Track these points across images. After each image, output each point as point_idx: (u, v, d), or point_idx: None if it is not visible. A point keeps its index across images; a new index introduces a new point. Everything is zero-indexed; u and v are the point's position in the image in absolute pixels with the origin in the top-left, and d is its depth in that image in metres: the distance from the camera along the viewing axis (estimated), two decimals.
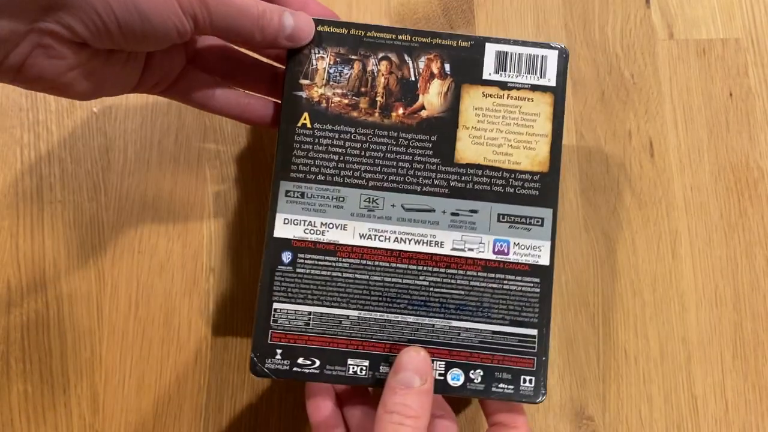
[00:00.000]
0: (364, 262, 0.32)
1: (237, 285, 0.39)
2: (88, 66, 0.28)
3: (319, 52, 0.32)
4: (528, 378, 0.31)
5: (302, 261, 0.32)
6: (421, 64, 0.33)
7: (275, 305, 0.32)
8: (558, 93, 0.33)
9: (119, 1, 0.26)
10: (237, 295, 0.39)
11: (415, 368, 0.29)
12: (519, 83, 0.33)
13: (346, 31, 0.33)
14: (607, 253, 0.39)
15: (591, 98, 0.40)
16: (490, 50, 0.33)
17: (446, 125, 0.32)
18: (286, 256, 0.32)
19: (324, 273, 0.32)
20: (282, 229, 0.32)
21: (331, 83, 0.32)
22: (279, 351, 0.31)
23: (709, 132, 0.40)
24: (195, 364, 0.38)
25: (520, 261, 0.32)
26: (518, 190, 0.32)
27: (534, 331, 0.32)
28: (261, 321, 0.31)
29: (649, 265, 0.39)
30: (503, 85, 0.33)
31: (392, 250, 0.32)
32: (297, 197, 0.32)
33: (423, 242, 0.32)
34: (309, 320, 0.31)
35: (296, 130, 0.32)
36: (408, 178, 0.32)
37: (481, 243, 0.32)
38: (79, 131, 0.40)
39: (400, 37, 0.33)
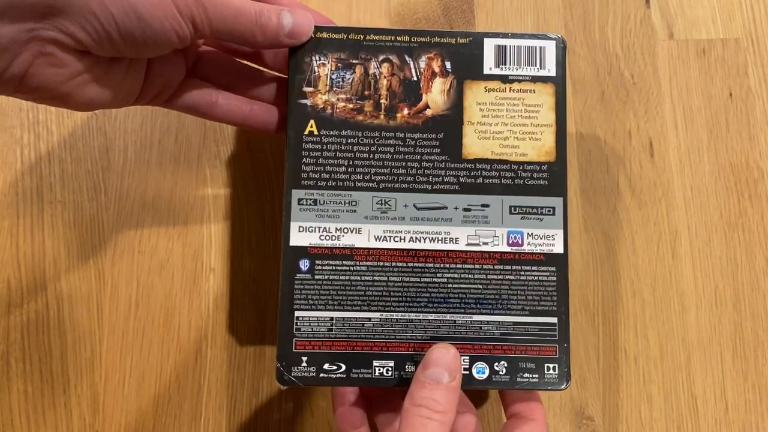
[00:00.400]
0: (381, 263, 0.32)
1: (237, 285, 0.39)
2: (90, 74, 0.27)
3: (320, 59, 0.33)
4: (552, 366, 0.32)
5: (320, 267, 0.32)
6: (422, 64, 0.33)
7: (297, 313, 0.32)
8: (559, 82, 0.33)
9: (117, 6, 0.26)
10: (237, 295, 0.39)
11: (445, 365, 0.29)
12: (520, 75, 0.33)
13: (345, 36, 0.33)
14: (607, 253, 0.39)
15: (591, 98, 0.40)
16: (489, 45, 0.33)
17: (451, 122, 0.33)
18: (304, 264, 0.32)
19: (342, 278, 0.32)
20: (298, 237, 0.32)
21: (334, 89, 0.33)
22: (304, 359, 0.31)
23: (709, 132, 0.40)
24: (195, 364, 0.38)
25: (534, 251, 0.32)
26: (527, 181, 0.32)
27: (554, 319, 0.32)
28: (284, 330, 0.32)
29: (649, 265, 0.39)
30: (504, 79, 0.33)
31: (408, 250, 0.32)
32: (310, 204, 0.32)
33: (438, 240, 0.32)
34: (331, 326, 0.32)
35: (304, 138, 0.32)
36: (418, 178, 0.32)
37: (495, 236, 0.32)
38: (79, 131, 0.40)
39: (399, 39, 0.33)
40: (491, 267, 0.32)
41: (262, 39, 0.30)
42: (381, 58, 0.33)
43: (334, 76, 0.33)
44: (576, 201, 0.40)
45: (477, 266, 0.32)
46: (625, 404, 0.38)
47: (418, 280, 0.32)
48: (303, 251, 0.32)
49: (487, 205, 0.32)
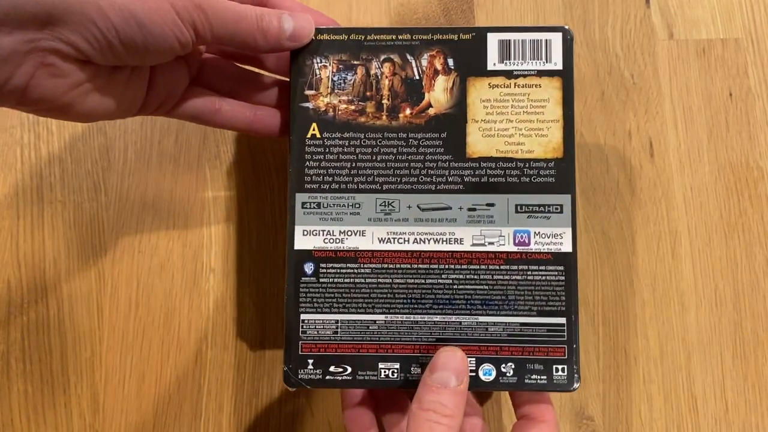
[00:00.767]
0: (386, 265, 0.32)
1: (237, 285, 0.39)
2: (92, 84, 0.27)
3: (321, 61, 0.33)
4: (560, 367, 0.31)
5: (325, 270, 0.32)
6: (424, 62, 0.33)
7: (303, 316, 0.32)
8: (566, 76, 0.32)
9: (117, 13, 0.25)
10: (237, 295, 0.39)
11: (453, 368, 0.29)
12: (525, 70, 0.32)
13: (346, 37, 0.33)
14: (607, 253, 0.39)
15: (591, 98, 0.40)
16: (493, 40, 0.32)
17: (455, 121, 0.32)
18: (309, 267, 0.32)
19: (347, 280, 0.32)
20: (302, 241, 0.32)
21: (336, 91, 0.32)
22: (310, 361, 0.31)
23: (709, 132, 0.40)
24: (195, 364, 0.38)
25: (542, 250, 0.32)
26: (534, 178, 0.32)
27: (562, 320, 0.31)
28: (291, 333, 0.32)
29: (649, 265, 0.39)
30: (509, 74, 0.32)
31: (412, 251, 0.32)
32: (314, 208, 0.32)
33: (442, 240, 0.32)
34: (337, 328, 0.32)
35: (306, 141, 0.32)
36: (421, 178, 0.32)
37: (500, 236, 0.32)
38: (79, 131, 0.40)
39: (400, 37, 0.33)
40: (497, 267, 0.32)
41: (264, 43, 0.30)
42: (382, 57, 0.33)
43: (335, 78, 0.33)
44: (576, 201, 0.40)
45: (483, 267, 0.32)
46: (625, 404, 0.38)
47: (423, 281, 0.32)
48: (308, 255, 0.32)
49: (492, 204, 0.32)
